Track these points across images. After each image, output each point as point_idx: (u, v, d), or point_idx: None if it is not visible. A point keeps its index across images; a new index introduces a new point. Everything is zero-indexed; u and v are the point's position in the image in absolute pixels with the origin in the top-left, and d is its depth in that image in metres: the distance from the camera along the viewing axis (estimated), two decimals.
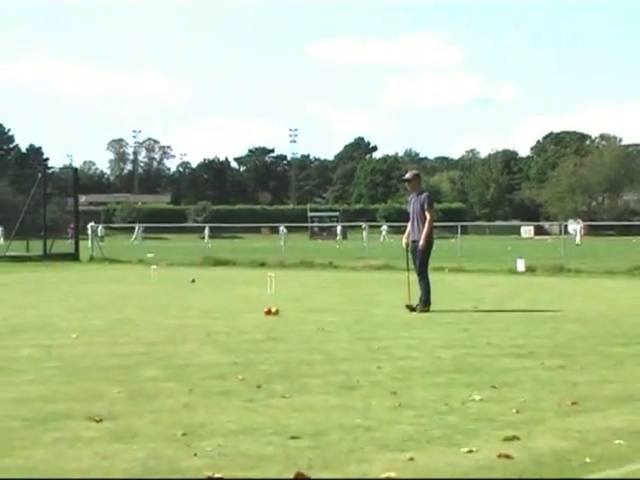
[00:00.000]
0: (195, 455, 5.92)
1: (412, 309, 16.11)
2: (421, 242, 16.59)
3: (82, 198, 69.55)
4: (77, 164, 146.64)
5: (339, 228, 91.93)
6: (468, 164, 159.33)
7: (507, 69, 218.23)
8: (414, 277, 16.85)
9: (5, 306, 17.62)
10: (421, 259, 16.70)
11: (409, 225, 17.17)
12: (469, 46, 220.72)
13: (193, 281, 24.75)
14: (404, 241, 17.55)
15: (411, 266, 17.27)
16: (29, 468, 5.59)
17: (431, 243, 16.85)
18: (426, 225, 16.57)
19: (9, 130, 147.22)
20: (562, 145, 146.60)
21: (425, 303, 16.29)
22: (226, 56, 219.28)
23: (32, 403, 7.64)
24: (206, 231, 51.42)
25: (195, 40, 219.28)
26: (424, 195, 16.91)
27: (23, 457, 5.87)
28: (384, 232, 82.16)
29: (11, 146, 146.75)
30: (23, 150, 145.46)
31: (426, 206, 16.63)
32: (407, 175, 17.69)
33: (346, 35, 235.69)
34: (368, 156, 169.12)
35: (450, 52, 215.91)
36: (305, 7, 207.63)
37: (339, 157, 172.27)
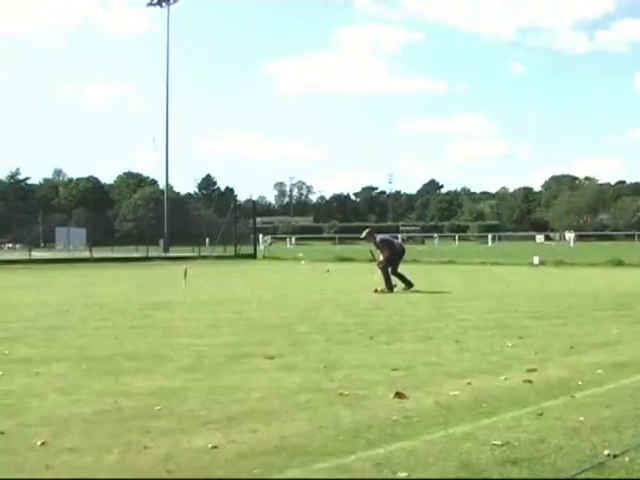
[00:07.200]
0: (331, 380, 5.94)
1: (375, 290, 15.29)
2: (381, 264, 15.82)
3: (258, 219, 70.31)
4: (255, 198, 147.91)
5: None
6: (501, 196, 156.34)
7: (524, 135, 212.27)
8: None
9: (211, 286, 17.95)
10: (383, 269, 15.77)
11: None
12: (499, 121, 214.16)
13: (328, 271, 24.81)
14: (374, 267, 16.50)
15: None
16: (229, 387, 5.68)
17: (390, 260, 15.84)
18: (382, 257, 15.92)
19: (214, 177, 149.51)
20: (561, 184, 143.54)
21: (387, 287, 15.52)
22: (347, 130, 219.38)
23: (230, 347, 7.76)
24: (336, 239, 51.51)
25: (325, 119, 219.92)
26: (377, 240, 16.17)
27: (226, 380, 5.97)
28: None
29: (214, 187, 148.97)
30: (222, 190, 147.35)
31: (380, 247, 16.07)
32: (362, 235, 16.71)
33: (423, 116, 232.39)
34: (438, 191, 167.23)
35: (486, 125, 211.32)
36: (397, 99, 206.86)
37: (419, 192, 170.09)
